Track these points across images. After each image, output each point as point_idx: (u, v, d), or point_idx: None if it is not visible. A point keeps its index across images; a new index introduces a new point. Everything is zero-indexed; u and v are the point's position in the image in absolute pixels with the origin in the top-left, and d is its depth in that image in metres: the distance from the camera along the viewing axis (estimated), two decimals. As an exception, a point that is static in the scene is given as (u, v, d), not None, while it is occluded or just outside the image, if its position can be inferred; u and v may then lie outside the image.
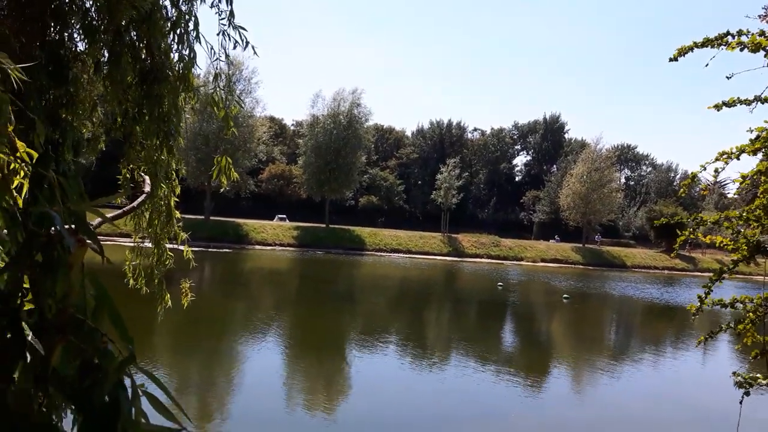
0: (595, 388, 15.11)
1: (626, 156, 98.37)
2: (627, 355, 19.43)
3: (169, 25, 4.24)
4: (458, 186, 67.71)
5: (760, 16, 4.96)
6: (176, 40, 4.30)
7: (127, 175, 4.90)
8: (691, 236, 5.51)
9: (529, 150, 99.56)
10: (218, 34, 4.57)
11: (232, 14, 4.49)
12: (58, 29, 4.09)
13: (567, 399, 13.80)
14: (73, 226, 0.97)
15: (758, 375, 5.31)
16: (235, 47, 4.64)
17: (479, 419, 11.56)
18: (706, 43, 4.93)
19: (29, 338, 0.90)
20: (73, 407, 0.91)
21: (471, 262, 55.85)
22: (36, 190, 0.99)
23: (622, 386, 15.14)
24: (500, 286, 36.43)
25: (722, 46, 4.85)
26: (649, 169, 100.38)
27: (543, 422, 11.84)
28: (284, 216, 67.24)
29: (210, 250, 43.74)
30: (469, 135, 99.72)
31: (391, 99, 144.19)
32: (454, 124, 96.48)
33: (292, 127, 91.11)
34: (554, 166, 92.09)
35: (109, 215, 1.87)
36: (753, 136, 4.88)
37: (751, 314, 5.21)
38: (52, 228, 0.93)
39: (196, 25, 4.37)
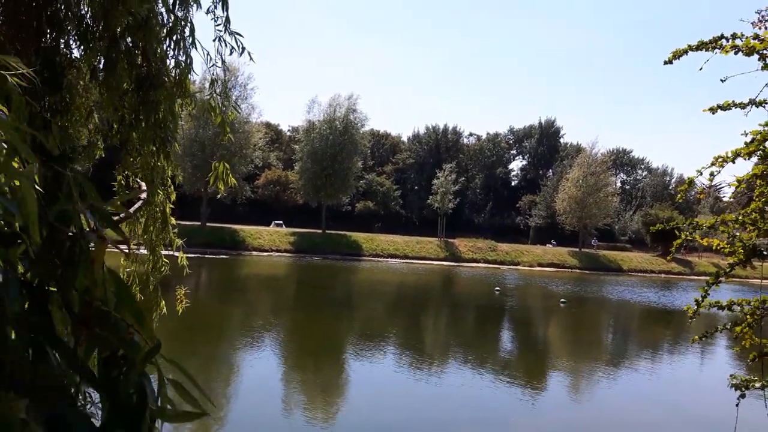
0: (593, 392, 15.10)
1: (622, 160, 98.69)
2: (625, 359, 19.43)
3: (165, 31, 4.23)
4: (454, 191, 67.78)
5: (753, 23, 4.99)
6: (172, 46, 4.30)
7: (122, 182, 4.88)
8: (688, 238, 5.52)
9: (525, 155, 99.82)
10: (214, 40, 4.57)
11: (227, 20, 4.49)
12: (53, 36, 4.08)
13: (565, 403, 13.78)
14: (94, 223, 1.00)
15: (754, 378, 5.31)
16: (231, 53, 4.64)
17: (477, 424, 11.53)
18: (701, 46, 4.95)
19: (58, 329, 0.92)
20: (101, 397, 0.94)
21: (468, 266, 55.86)
22: (55, 188, 1.01)
23: (620, 390, 15.14)
24: (497, 290, 36.43)
25: (717, 50, 4.87)
26: (645, 173, 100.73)
27: (541, 426, 11.82)
28: (281, 222, 67.14)
29: (206, 256, 43.63)
30: (465, 140, 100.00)
31: (387, 104, 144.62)
32: (450, 129, 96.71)
33: (288, 133, 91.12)
34: (550, 170, 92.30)
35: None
36: (748, 139, 4.89)
37: (748, 317, 5.22)
38: (74, 225, 0.96)
39: (192, 31, 4.37)
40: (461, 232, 70.50)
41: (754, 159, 5.07)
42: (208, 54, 4.55)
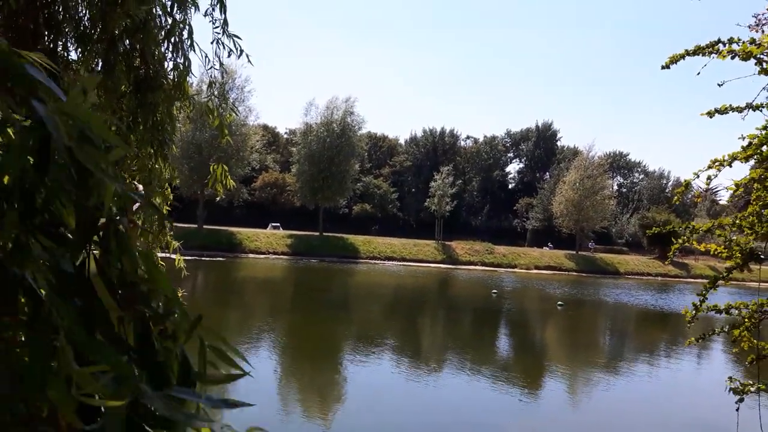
0: (591, 396, 15.11)
1: (618, 163, 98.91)
2: (622, 362, 19.45)
3: (163, 33, 4.23)
4: (452, 193, 67.86)
5: (750, 26, 5.01)
6: (170, 49, 4.30)
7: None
8: (686, 244, 5.54)
9: (522, 157, 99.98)
10: (212, 43, 4.58)
11: (225, 23, 4.49)
12: (51, 38, 4.07)
13: (562, 406, 13.78)
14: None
15: (750, 381, 5.32)
16: (229, 55, 4.64)
17: (475, 427, 11.52)
18: (698, 51, 4.97)
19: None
20: (146, 369, 1.00)
21: (465, 269, 55.88)
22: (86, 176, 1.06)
23: (617, 393, 15.15)
24: (494, 293, 36.45)
25: (713, 54, 4.89)
26: (642, 176, 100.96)
27: (538, 429, 11.82)
28: (278, 224, 67.10)
29: (203, 258, 43.56)
30: (462, 143, 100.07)
31: (384, 107, 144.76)
32: (447, 131, 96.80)
33: (285, 136, 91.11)
34: (547, 173, 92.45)
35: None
36: (745, 143, 4.91)
37: (746, 320, 5.23)
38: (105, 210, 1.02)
39: (191, 33, 4.37)
40: (458, 235, 70.52)
41: (752, 163, 5.09)
42: (206, 56, 4.55)
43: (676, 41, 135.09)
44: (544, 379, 16.55)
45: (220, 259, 46.41)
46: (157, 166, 4.71)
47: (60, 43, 4.12)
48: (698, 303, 5.35)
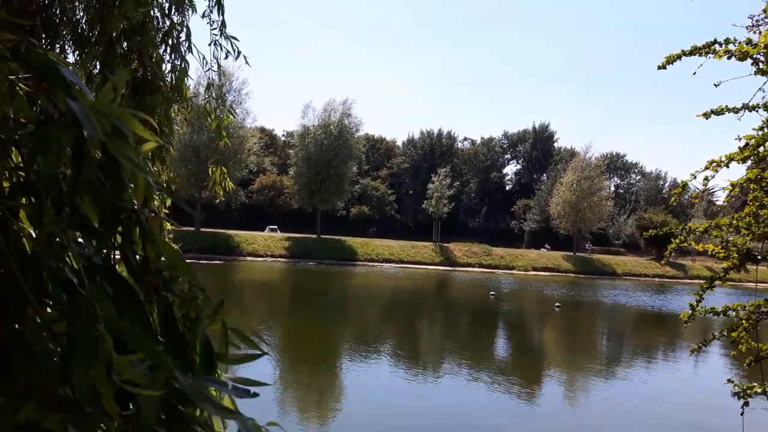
0: (589, 397, 15.11)
1: (615, 164, 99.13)
2: (620, 364, 19.47)
3: (160, 35, 4.23)
4: (449, 195, 67.89)
5: (747, 27, 5.03)
6: (168, 51, 4.29)
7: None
8: (683, 244, 5.55)
9: (519, 159, 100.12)
10: (210, 44, 4.57)
11: (223, 24, 4.49)
12: (48, 41, 4.06)
13: (560, 408, 13.78)
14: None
15: (754, 384, 5.33)
16: (227, 57, 4.64)
17: (474, 429, 11.51)
18: (694, 51, 4.99)
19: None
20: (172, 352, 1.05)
21: (463, 271, 55.89)
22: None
23: (616, 395, 15.15)
24: (492, 295, 36.45)
25: (710, 55, 4.91)
26: (639, 177, 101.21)
27: (536, 431, 11.82)
28: (275, 227, 67.04)
29: (201, 261, 43.47)
30: (460, 144, 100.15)
31: (382, 109, 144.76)
32: (445, 133, 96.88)
33: (282, 138, 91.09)
34: (544, 174, 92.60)
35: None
36: (742, 143, 4.92)
37: (744, 322, 5.24)
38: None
39: (188, 35, 4.37)
40: (456, 237, 70.56)
41: (749, 163, 5.11)
42: (203, 58, 4.55)
43: (674, 42, 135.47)
44: (541, 380, 16.55)
45: (218, 262, 46.33)
46: (155, 168, 4.70)
47: (57, 45, 4.11)
48: (695, 303, 5.36)
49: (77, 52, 4.13)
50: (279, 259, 53.06)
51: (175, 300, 1.08)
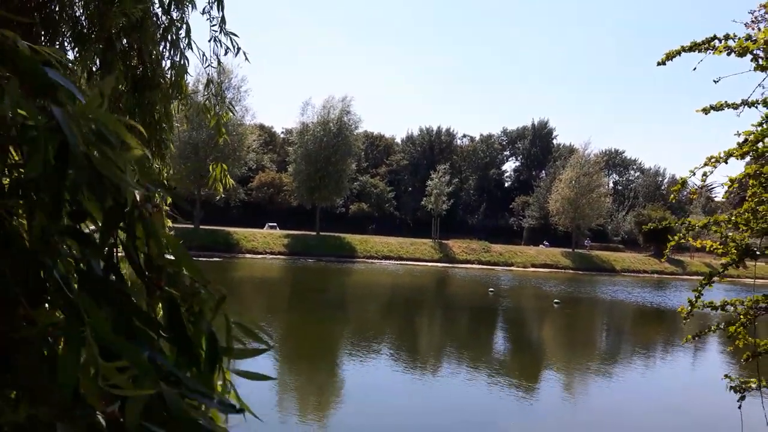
0: (588, 394, 15.15)
1: (614, 161, 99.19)
2: (619, 360, 19.51)
3: (160, 32, 4.23)
4: (448, 192, 67.85)
5: (746, 24, 5.03)
6: (168, 47, 4.29)
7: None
8: (682, 241, 5.56)
9: (518, 156, 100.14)
10: (210, 41, 4.57)
11: (223, 20, 4.49)
12: (48, 38, 4.06)
13: (559, 405, 13.81)
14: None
15: (751, 379, 5.35)
16: (226, 53, 4.64)
17: (472, 426, 11.54)
18: (694, 47, 4.99)
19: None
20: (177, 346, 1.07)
21: (462, 267, 55.93)
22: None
23: (615, 391, 15.18)
24: (491, 291, 36.50)
25: (709, 50, 4.91)
26: (637, 173, 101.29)
27: (535, 428, 11.85)
28: (275, 224, 67.02)
29: (200, 259, 43.46)
30: (459, 141, 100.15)
31: (382, 107, 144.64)
32: (444, 130, 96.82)
33: (281, 135, 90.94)
34: (543, 171, 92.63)
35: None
36: (741, 139, 4.93)
37: (742, 317, 5.26)
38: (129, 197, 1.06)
39: (188, 31, 4.37)
40: (455, 234, 70.60)
41: (747, 159, 5.11)
42: (203, 54, 4.55)
43: (674, 42, 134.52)
44: (540, 377, 16.58)
45: (217, 259, 46.32)
46: (154, 165, 4.70)
47: (57, 42, 4.11)
48: (694, 299, 5.37)
49: (77, 49, 4.13)
50: (278, 256, 53.06)
51: (178, 294, 1.08)
